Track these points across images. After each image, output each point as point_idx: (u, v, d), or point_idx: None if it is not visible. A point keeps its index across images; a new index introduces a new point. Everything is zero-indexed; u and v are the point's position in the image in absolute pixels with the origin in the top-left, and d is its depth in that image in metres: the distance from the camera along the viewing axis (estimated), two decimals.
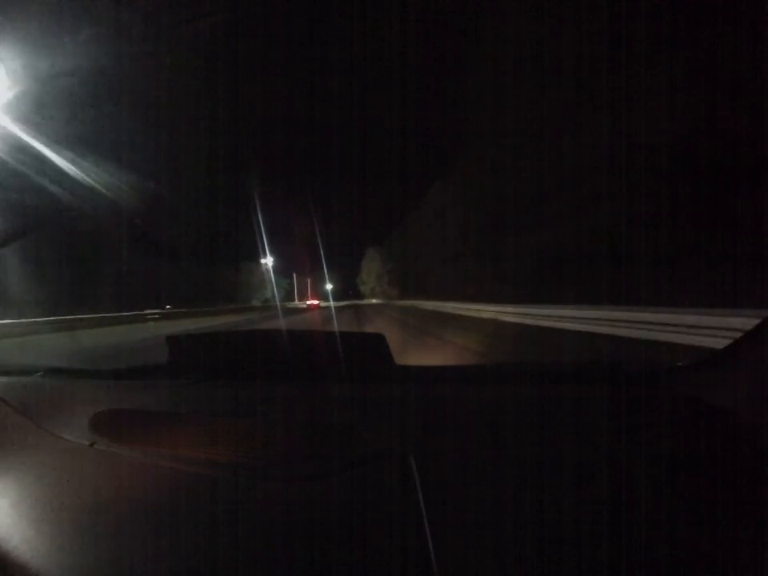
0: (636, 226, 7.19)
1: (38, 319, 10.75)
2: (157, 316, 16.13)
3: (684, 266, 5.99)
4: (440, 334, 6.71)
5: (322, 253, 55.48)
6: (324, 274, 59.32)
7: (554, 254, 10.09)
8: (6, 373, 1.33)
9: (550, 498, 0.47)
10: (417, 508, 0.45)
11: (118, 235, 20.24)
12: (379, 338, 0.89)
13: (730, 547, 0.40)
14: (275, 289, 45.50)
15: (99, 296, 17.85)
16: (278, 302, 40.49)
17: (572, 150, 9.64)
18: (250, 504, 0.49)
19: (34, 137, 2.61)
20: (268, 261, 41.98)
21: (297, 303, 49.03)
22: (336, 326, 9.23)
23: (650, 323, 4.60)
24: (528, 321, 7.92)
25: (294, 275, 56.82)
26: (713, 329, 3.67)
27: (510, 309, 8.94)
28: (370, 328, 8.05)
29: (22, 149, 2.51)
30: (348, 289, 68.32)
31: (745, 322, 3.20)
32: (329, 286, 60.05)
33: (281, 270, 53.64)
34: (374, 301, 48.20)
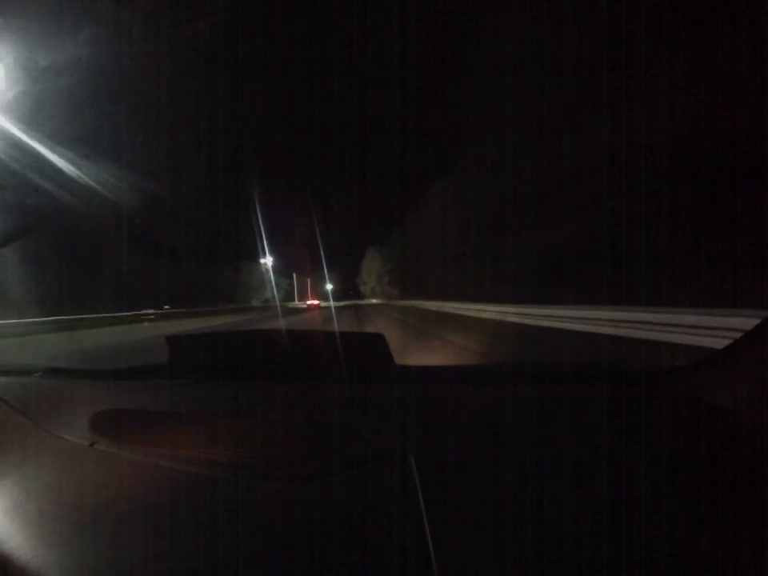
0: (636, 226, 7.17)
1: (38, 319, 10.72)
2: (152, 317, 15.84)
3: (684, 266, 5.98)
4: (440, 334, 6.70)
5: (322, 253, 55.43)
6: (324, 273, 59.43)
7: (554, 254, 10.07)
8: (6, 373, 1.33)
9: (550, 498, 0.47)
10: (417, 508, 0.45)
11: (117, 235, 20.26)
12: (379, 338, 0.89)
13: (729, 547, 0.40)
14: (275, 289, 45.54)
15: (99, 296, 17.83)
16: (277, 302, 40.47)
17: (572, 150, 9.63)
18: (250, 504, 0.49)
19: (34, 137, 2.61)
20: (268, 261, 42.06)
21: (297, 303, 49.01)
22: (336, 326, 9.23)
23: (650, 323, 4.59)
24: (528, 321, 7.92)
25: (294, 275, 56.93)
26: (713, 329, 3.67)
27: (510, 309, 8.95)
28: (370, 328, 8.04)
29: (22, 149, 2.52)
30: (348, 289, 68.49)
31: (745, 321, 3.20)
32: (329, 286, 60.15)
33: (281, 270, 53.75)
34: (374, 301, 48.19)
